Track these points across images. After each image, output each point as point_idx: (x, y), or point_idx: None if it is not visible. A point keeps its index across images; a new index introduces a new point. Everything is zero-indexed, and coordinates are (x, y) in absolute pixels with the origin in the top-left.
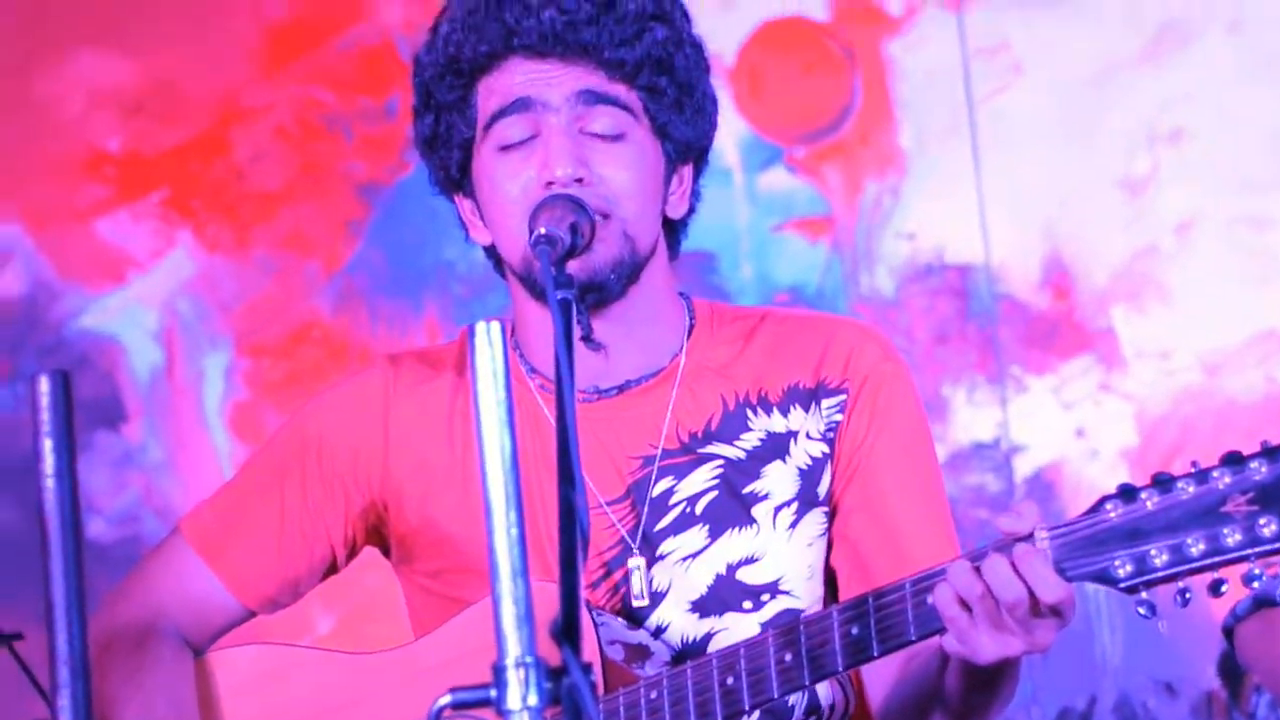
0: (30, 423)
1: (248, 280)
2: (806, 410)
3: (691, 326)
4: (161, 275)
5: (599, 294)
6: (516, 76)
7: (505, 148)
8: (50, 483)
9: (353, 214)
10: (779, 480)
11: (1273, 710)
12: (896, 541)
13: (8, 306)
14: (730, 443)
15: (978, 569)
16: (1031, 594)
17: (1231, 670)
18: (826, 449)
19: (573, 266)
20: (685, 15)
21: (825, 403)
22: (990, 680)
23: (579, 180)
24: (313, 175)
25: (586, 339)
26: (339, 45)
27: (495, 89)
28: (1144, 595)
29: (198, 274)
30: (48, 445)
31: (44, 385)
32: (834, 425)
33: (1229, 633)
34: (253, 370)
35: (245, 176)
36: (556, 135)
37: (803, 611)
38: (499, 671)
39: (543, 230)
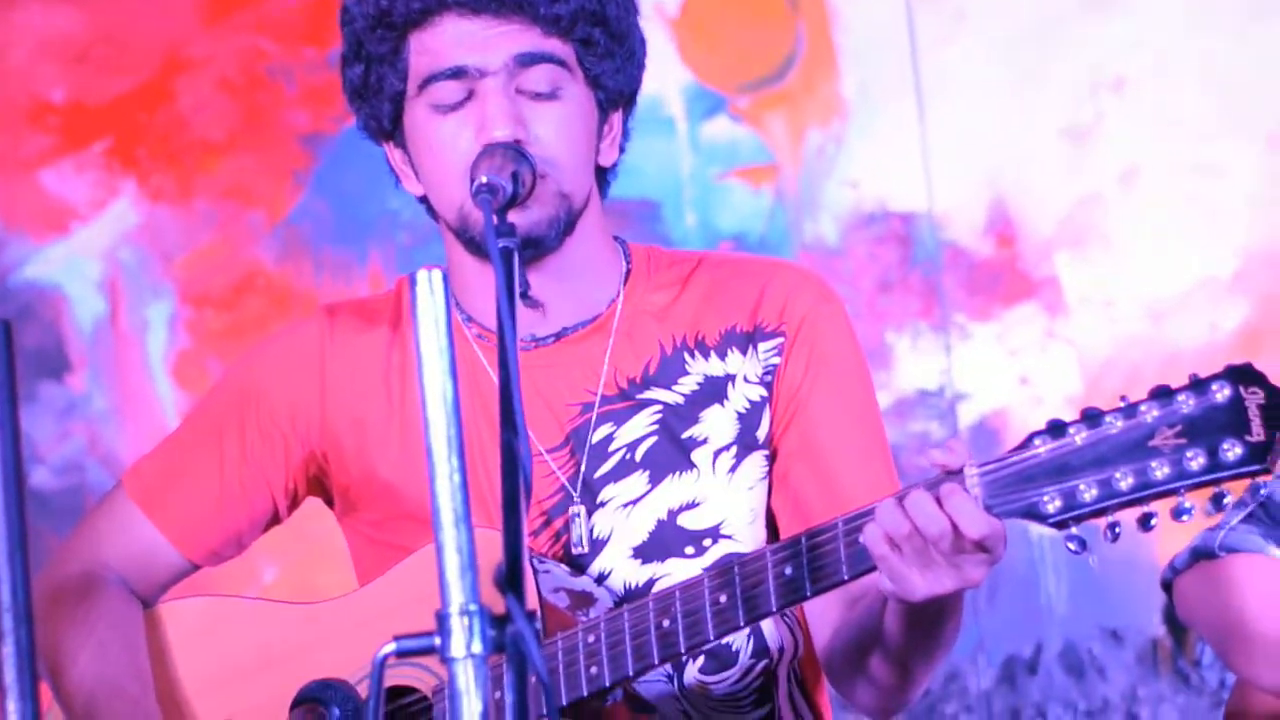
0: None
1: (191, 230)
2: (744, 353)
3: (628, 272)
4: (105, 225)
5: (535, 249)
6: (451, 36)
7: (440, 108)
8: None
9: (296, 163)
10: (718, 424)
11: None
12: (835, 484)
13: None
14: (668, 387)
15: (903, 504)
16: (956, 529)
17: (1176, 618)
18: (764, 392)
19: (512, 219)
20: None
21: (762, 346)
22: (930, 622)
23: (517, 141)
24: (256, 125)
25: (524, 295)
26: None
27: (429, 47)
28: (1074, 530)
29: (141, 224)
30: None
31: None
32: (771, 369)
33: (1167, 586)
34: (196, 320)
35: (189, 126)
36: (494, 96)
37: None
38: (443, 619)
39: (484, 179)
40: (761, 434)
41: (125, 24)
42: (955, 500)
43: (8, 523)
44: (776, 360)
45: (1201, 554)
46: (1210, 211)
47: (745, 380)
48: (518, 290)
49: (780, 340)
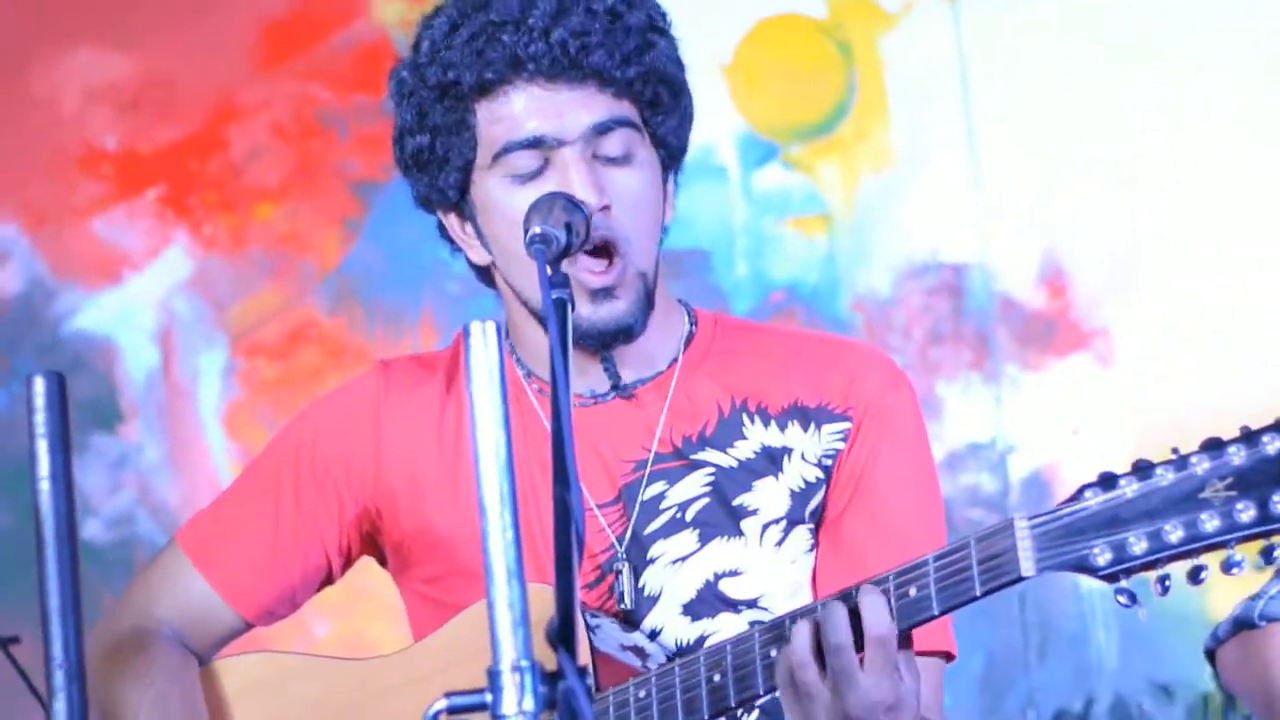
0: (26, 423)
1: (244, 279)
2: (805, 429)
3: (691, 334)
4: (158, 274)
5: (628, 337)
6: (524, 105)
7: (518, 178)
8: (45, 485)
9: (349, 212)
10: (770, 497)
11: None
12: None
13: (3, 305)
14: (724, 450)
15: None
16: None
17: None
18: (821, 474)
19: (601, 314)
20: (666, 19)
21: (826, 428)
22: None
23: (604, 208)
24: (309, 173)
25: (617, 387)
26: (336, 43)
27: (500, 116)
28: (1123, 583)
29: (194, 273)
30: (43, 447)
31: (39, 386)
32: (833, 454)
33: (1210, 656)
34: (249, 370)
35: (241, 174)
36: (575, 165)
37: None
38: (494, 676)
39: (537, 229)
40: (810, 509)
41: (176, 71)
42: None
43: (60, 578)
44: (840, 445)
45: (1243, 624)
46: (1265, 264)
47: (803, 459)
48: (610, 384)
49: (847, 425)
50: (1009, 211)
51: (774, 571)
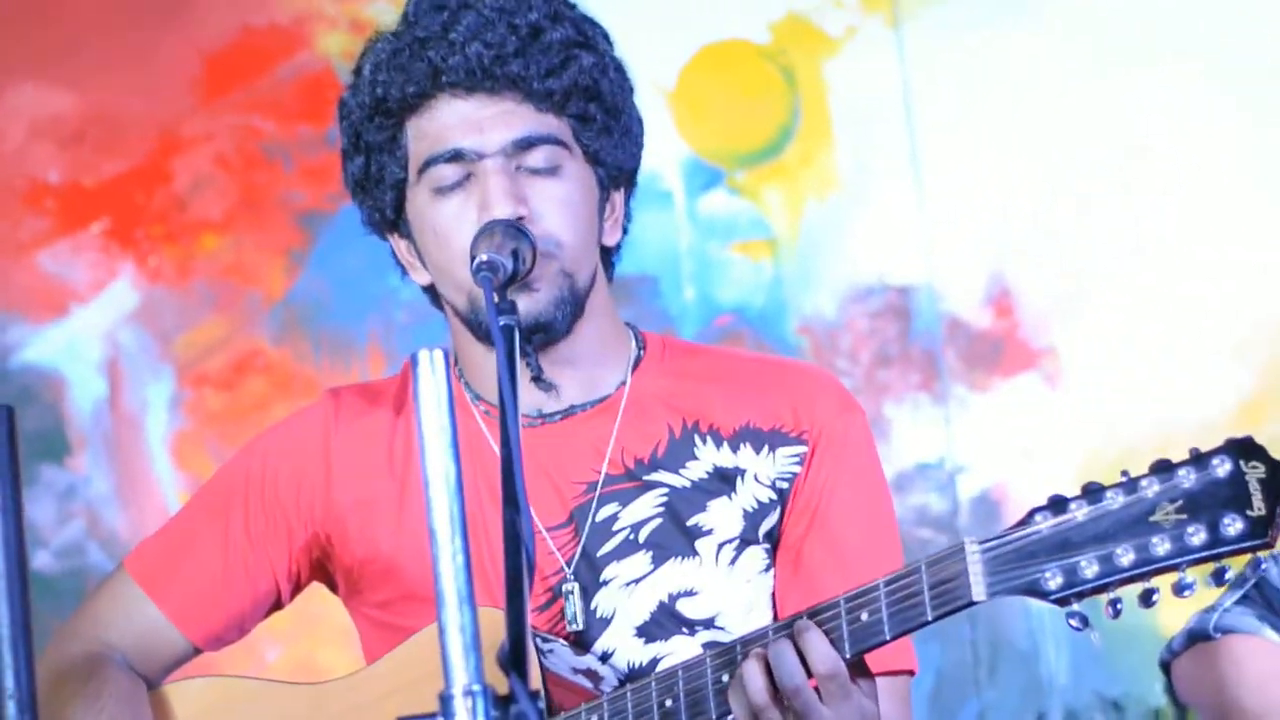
0: None
1: (190, 310)
2: (758, 452)
3: (640, 357)
4: (103, 306)
5: (545, 333)
6: (447, 118)
7: (441, 190)
8: None
9: (294, 243)
10: (724, 517)
11: None
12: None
13: None
14: (676, 471)
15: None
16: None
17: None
18: (774, 496)
19: (518, 306)
20: (607, 39)
21: (781, 451)
22: None
23: (519, 219)
24: (254, 204)
25: (538, 379)
26: (279, 74)
27: (426, 131)
28: (1075, 607)
29: (140, 304)
30: None
31: None
32: (788, 476)
33: (1165, 667)
34: (196, 401)
35: (186, 206)
36: (494, 176)
37: None
38: (446, 700)
39: (484, 256)
40: (763, 531)
41: (120, 104)
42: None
43: (10, 608)
44: (796, 469)
45: (1197, 636)
46: (1210, 282)
47: (756, 479)
48: (529, 375)
49: (802, 450)
50: (954, 233)
51: (729, 590)
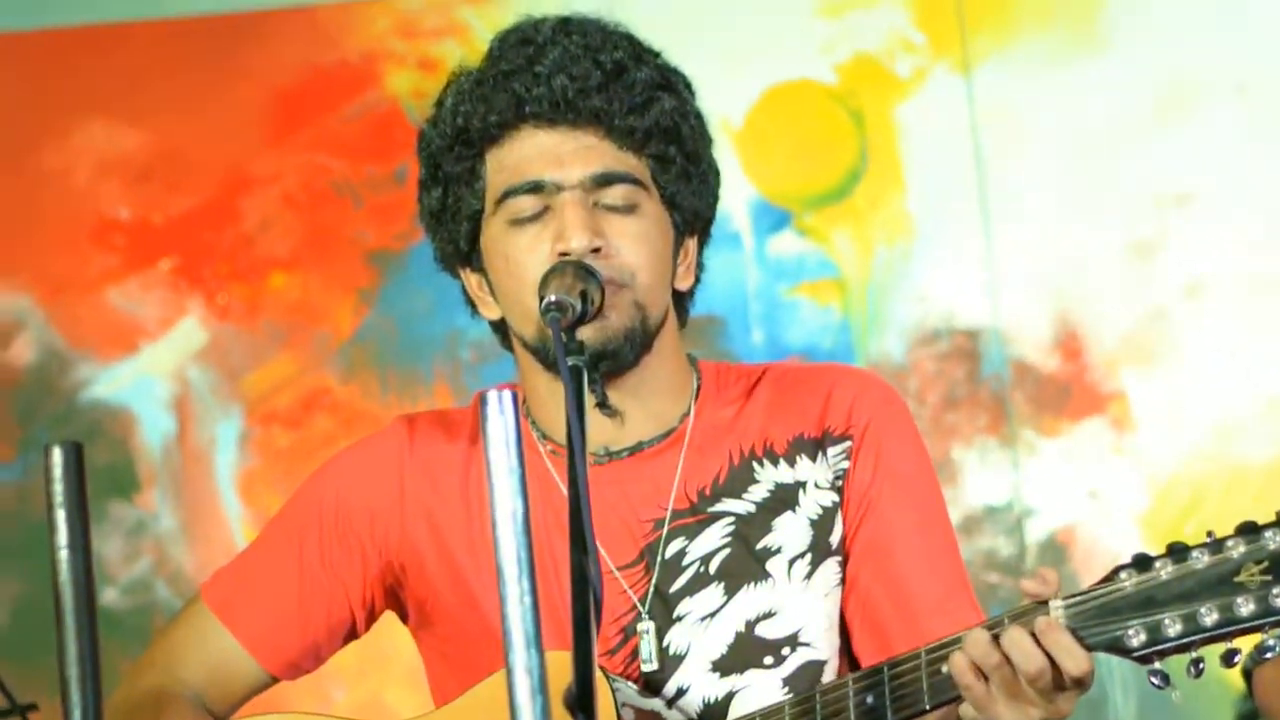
0: (43, 492)
1: (258, 348)
2: (813, 460)
3: (699, 388)
4: (172, 343)
5: (613, 362)
6: (528, 150)
7: (518, 221)
8: (63, 554)
9: (361, 281)
10: (791, 532)
11: None
12: (903, 587)
13: (19, 376)
14: (739, 497)
15: (996, 639)
16: (1054, 665)
17: None
18: (836, 497)
19: (586, 334)
20: (689, 87)
21: (831, 450)
22: None
23: (595, 251)
24: (322, 243)
25: (602, 405)
26: (348, 113)
27: (506, 164)
28: (1157, 665)
29: (208, 342)
30: (61, 516)
31: (56, 456)
32: (841, 473)
33: (1247, 674)
34: (264, 438)
35: (254, 244)
36: (571, 208)
37: (824, 663)
38: None
39: (553, 297)
40: (835, 539)
41: (188, 142)
42: (1054, 636)
43: (79, 646)
44: (845, 464)
45: None
46: (1276, 326)
47: (816, 486)
48: (593, 401)
49: (848, 444)
50: (1022, 276)
51: (807, 605)
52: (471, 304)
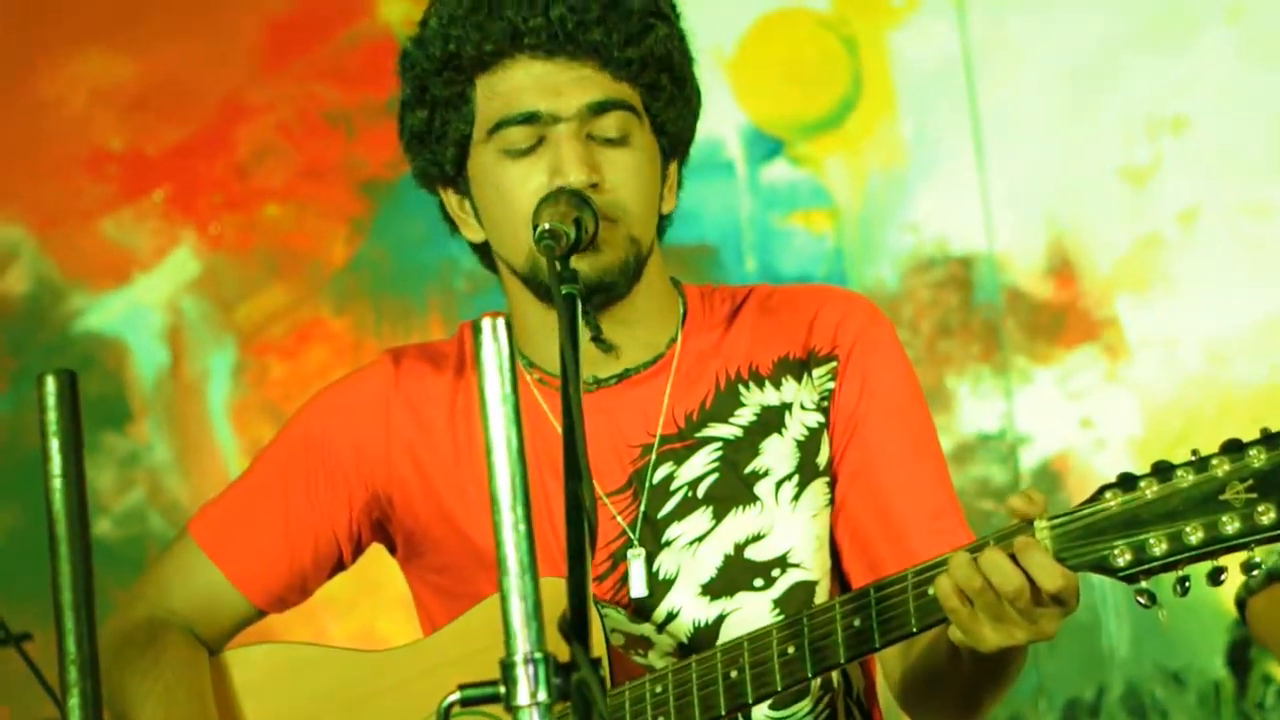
0: (37, 423)
1: (251, 278)
2: (799, 380)
3: (685, 312)
4: (165, 274)
5: (606, 295)
6: (522, 80)
7: (511, 153)
8: (57, 483)
9: (355, 211)
10: (778, 455)
11: None
12: (890, 508)
13: (12, 306)
14: (726, 421)
15: (977, 561)
16: (1033, 584)
17: (1239, 660)
18: (822, 418)
19: (581, 268)
20: (675, 10)
21: (816, 372)
22: (998, 662)
23: (592, 186)
24: (315, 173)
25: (597, 339)
26: (341, 42)
27: (498, 91)
28: (1144, 584)
29: (202, 272)
30: (54, 445)
31: (50, 385)
32: (827, 394)
33: (1240, 605)
34: (258, 369)
35: (248, 174)
36: (567, 142)
37: (815, 583)
38: (507, 668)
39: (547, 225)
40: (822, 460)
41: (182, 72)
42: (1031, 555)
43: (73, 575)
44: (831, 384)
45: (1276, 575)
46: (1270, 252)
47: (802, 407)
48: (590, 335)
49: (834, 364)
50: (1016, 203)
51: (796, 527)
52: (450, 222)
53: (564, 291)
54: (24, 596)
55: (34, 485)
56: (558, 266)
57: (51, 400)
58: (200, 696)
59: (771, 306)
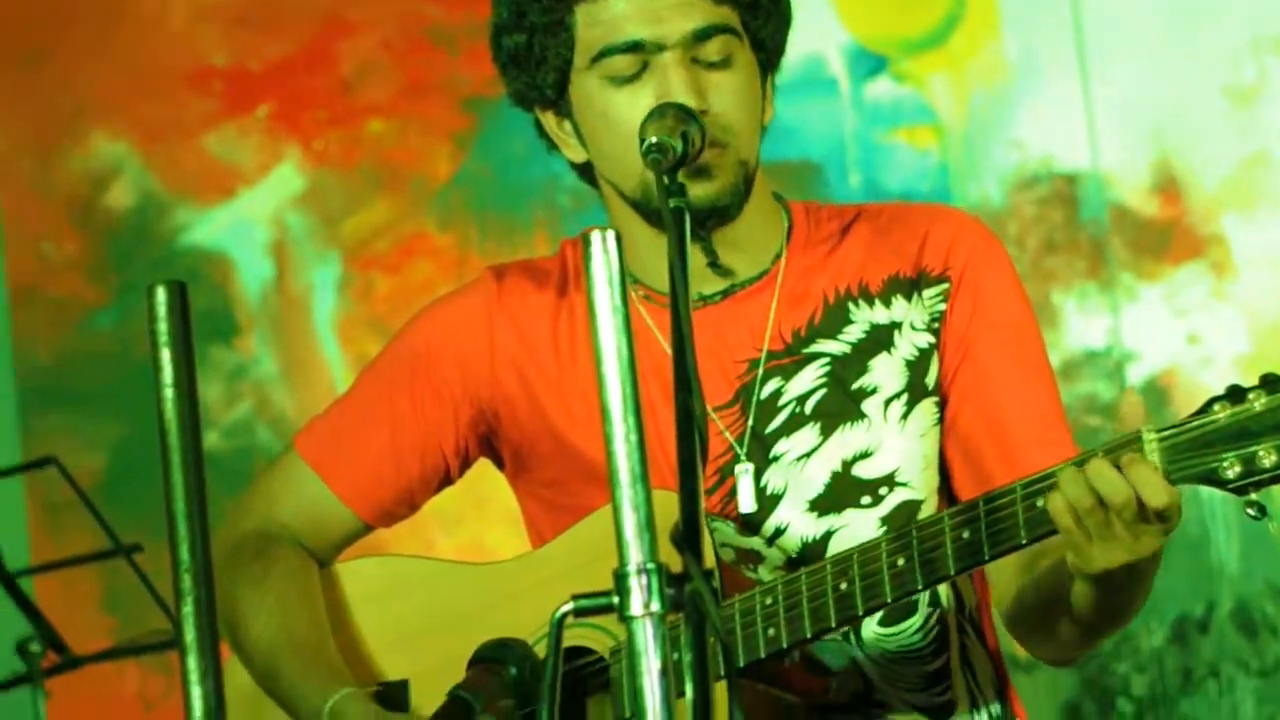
0: (141, 336)
1: (356, 194)
2: (909, 299)
3: (790, 228)
4: (270, 189)
5: (720, 219)
6: (623, 8)
7: (615, 79)
8: (169, 393)
9: (459, 127)
10: (886, 373)
11: None
12: (1002, 426)
13: (116, 221)
14: (834, 337)
15: (1085, 471)
16: (1138, 498)
17: None
18: (932, 339)
19: (695, 194)
20: None
21: (927, 292)
22: (1118, 588)
23: (701, 113)
24: (419, 89)
25: (714, 265)
26: None
27: (600, 19)
28: (1253, 496)
29: (306, 188)
30: (166, 355)
31: (160, 296)
32: (938, 315)
33: None
34: (362, 283)
35: (351, 90)
36: (673, 69)
37: (921, 502)
38: (620, 578)
39: (654, 139)
40: (931, 380)
41: None
42: (1137, 469)
43: (186, 484)
44: (942, 306)
45: None
46: None
47: (912, 327)
48: (706, 260)
49: (946, 286)
50: (1121, 121)
51: (904, 445)
52: (549, 141)
53: (672, 205)
54: (132, 509)
55: (139, 398)
56: (665, 181)
57: (162, 310)
58: (313, 606)
59: (882, 225)
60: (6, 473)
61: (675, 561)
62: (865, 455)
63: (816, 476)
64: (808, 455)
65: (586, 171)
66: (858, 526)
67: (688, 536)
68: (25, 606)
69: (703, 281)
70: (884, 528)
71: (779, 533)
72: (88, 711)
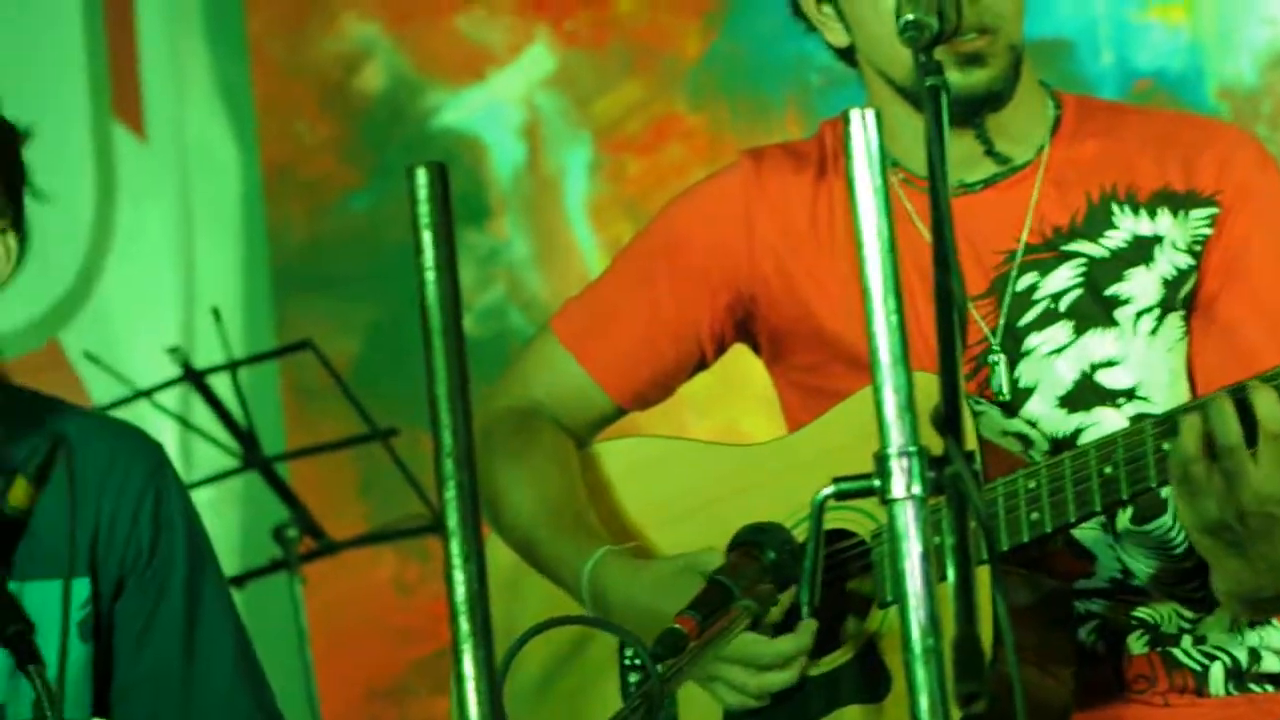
0: (394, 218)
1: (606, 75)
2: (1174, 216)
3: (1058, 119)
4: (520, 71)
5: (994, 105)
6: None
7: None
8: (431, 275)
9: (708, 5)
10: (1142, 285)
11: None
12: (1255, 355)
13: (368, 103)
14: (1094, 240)
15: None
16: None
17: None
18: (1192, 261)
19: (969, 82)
20: None
21: (1195, 214)
22: None
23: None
24: None
25: (990, 152)
26: None
27: None
28: None
29: (557, 69)
30: (427, 237)
31: (421, 177)
32: (1201, 239)
33: None
34: (614, 165)
35: None
36: None
37: None
38: (881, 461)
39: (910, 15)
40: (1182, 295)
41: None
42: (1261, 395)
43: (448, 367)
44: (1207, 231)
45: None
46: None
47: (1174, 246)
48: (983, 149)
49: (1214, 211)
50: None
51: (1150, 359)
52: (806, 22)
53: (928, 84)
54: (386, 393)
55: (393, 281)
56: (921, 58)
57: (423, 193)
58: (570, 477)
59: (1158, 129)
60: (262, 357)
61: (935, 444)
62: (1110, 364)
63: (1066, 374)
64: (1058, 351)
65: (847, 55)
66: (1107, 425)
67: (948, 418)
68: (282, 492)
69: (965, 169)
70: None
71: (1031, 425)
72: (343, 597)
